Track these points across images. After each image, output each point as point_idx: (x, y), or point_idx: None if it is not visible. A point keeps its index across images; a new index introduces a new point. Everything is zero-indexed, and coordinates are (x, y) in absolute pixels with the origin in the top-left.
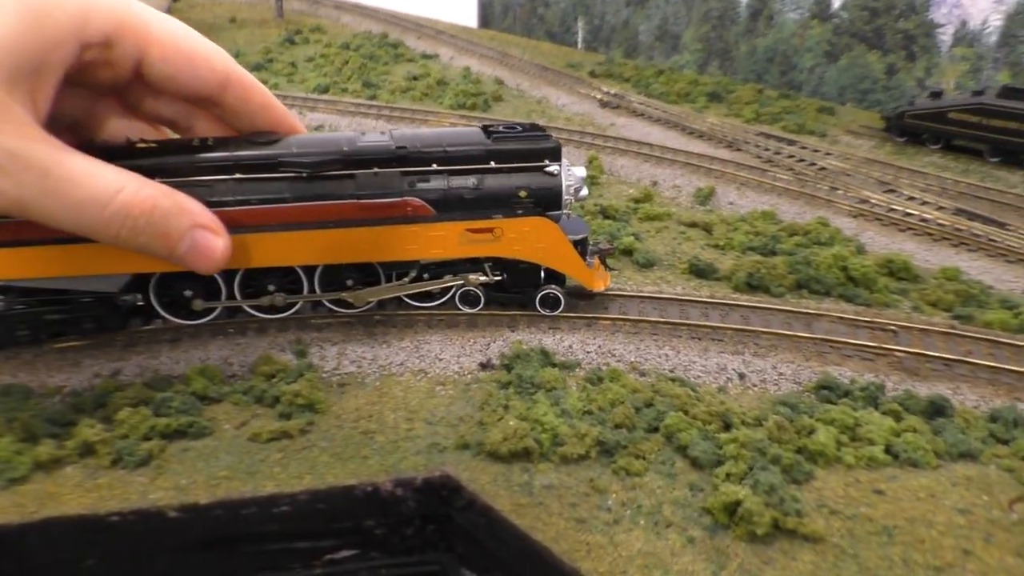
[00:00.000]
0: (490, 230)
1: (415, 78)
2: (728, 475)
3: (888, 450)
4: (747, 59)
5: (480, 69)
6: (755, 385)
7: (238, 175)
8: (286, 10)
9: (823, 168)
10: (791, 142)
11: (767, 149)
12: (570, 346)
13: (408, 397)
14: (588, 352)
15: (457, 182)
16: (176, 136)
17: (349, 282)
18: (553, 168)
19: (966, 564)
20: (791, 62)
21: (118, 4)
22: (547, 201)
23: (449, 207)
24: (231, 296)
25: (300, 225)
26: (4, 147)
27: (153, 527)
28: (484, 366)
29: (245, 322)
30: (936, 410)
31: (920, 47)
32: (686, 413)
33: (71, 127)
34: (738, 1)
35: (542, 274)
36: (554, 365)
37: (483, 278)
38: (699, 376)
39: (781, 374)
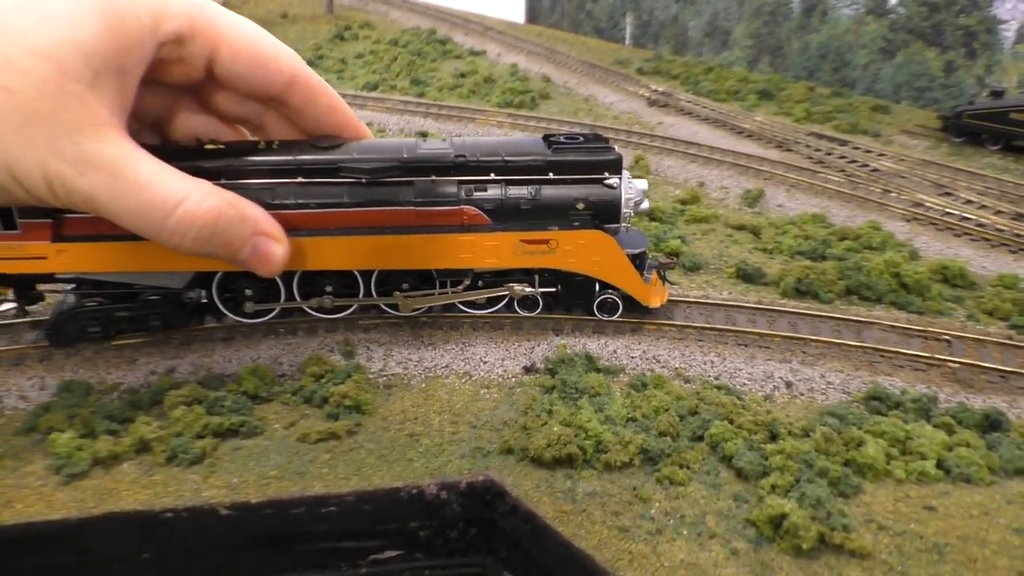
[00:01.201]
0: (546, 242)
1: (463, 75)
2: (774, 487)
3: (940, 465)
4: (799, 56)
5: (527, 66)
6: (802, 394)
7: (300, 179)
8: (336, 5)
9: (876, 169)
10: (843, 142)
11: (818, 149)
12: (614, 351)
13: (453, 400)
14: (632, 357)
15: (514, 192)
16: (251, 135)
17: (404, 286)
18: (613, 181)
19: None
20: (845, 59)
21: (191, 4)
22: (605, 214)
23: (505, 217)
24: (289, 296)
25: (358, 230)
26: (81, 148)
27: (206, 524)
28: (528, 370)
29: (296, 322)
30: (991, 424)
31: (981, 44)
32: (731, 422)
33: (153, 124)
34: None
35: (597, 287)
36: (598, 370)
37: (527, 289)
38: (745, 384)
39: (829, 383)
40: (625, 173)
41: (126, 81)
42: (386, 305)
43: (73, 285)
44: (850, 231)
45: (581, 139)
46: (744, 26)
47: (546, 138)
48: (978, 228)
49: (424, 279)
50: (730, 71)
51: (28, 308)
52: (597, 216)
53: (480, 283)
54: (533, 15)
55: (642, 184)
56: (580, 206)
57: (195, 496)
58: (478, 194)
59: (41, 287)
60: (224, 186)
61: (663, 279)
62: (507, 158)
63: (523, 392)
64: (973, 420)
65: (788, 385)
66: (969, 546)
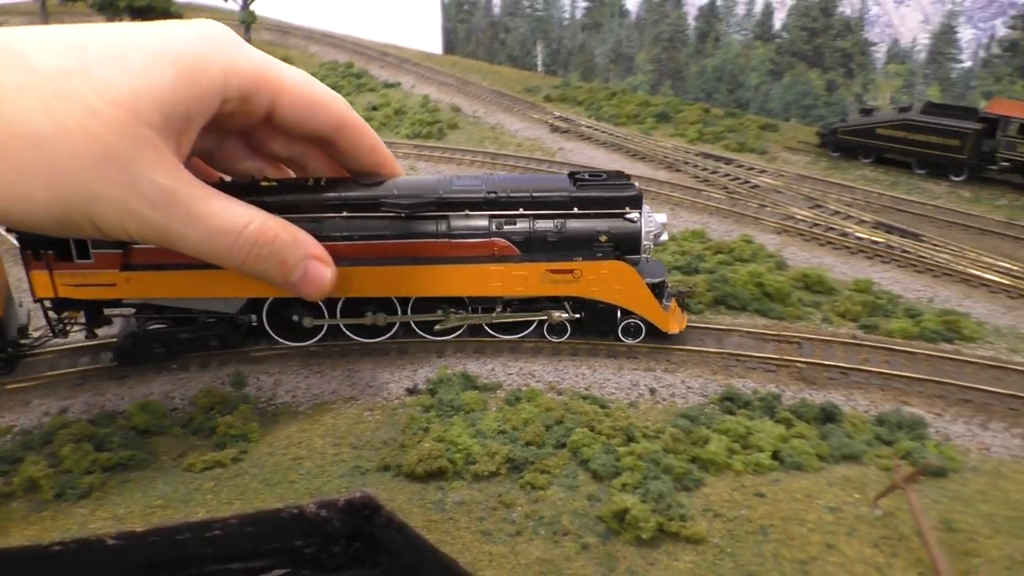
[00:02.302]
0: (570, 271)
1: (375, 108)
2: (624, 485)
3: (775, 456)
4: (697, 79)
5: (439, 97)
6: (664, 399)
7: (345, 213)
8: (256, 41)
9: (756, 186)
10: (729, 161)
11: (704, 168)
12: (492, 369)
13: (337, 423)
14: (510, 374)
15: (541, 225)
16: (293, 173)
17: (439, 311)
18: (633, 215)
19: (828, 557)
20: (738, 81)
21: (257, 63)
22: (626, 246)
23: (533, 248)
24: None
25: (397, 260)
26: (158, 184)
27: (94, 555)
28: (411, 391)
29: (188, 359)
30: (827, 416)
31: (857, 64)
32: (592, 429)
33: (202, 157)
34: (687, 23)
35: (619, 314)
36: (476, 388)
37: (563, 315)
38: (613, 393)
39: (690, 388)
40: (645, 207)
41: (190, 128)
42: (423, 329)
43: (134, 310)
44: (725, 245)
45: (604, 176)
46: (645, 52)
47: (571, 175)
48: (841, 237)
49: (458, 305)
50: (632, 95)
51: (96, 331)
52: (619, 248)
53: (508, 309)
54: (450, 46)
55: (661, 218)
56: (603, 238)
57: (82, 529)
58: (508, 227)
59: (108, 311)
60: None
61: (683, 306)
62: (535, 194)
63: (405, 412)
64: (811, 414)
65: (652, 392)
66: (790, 526)
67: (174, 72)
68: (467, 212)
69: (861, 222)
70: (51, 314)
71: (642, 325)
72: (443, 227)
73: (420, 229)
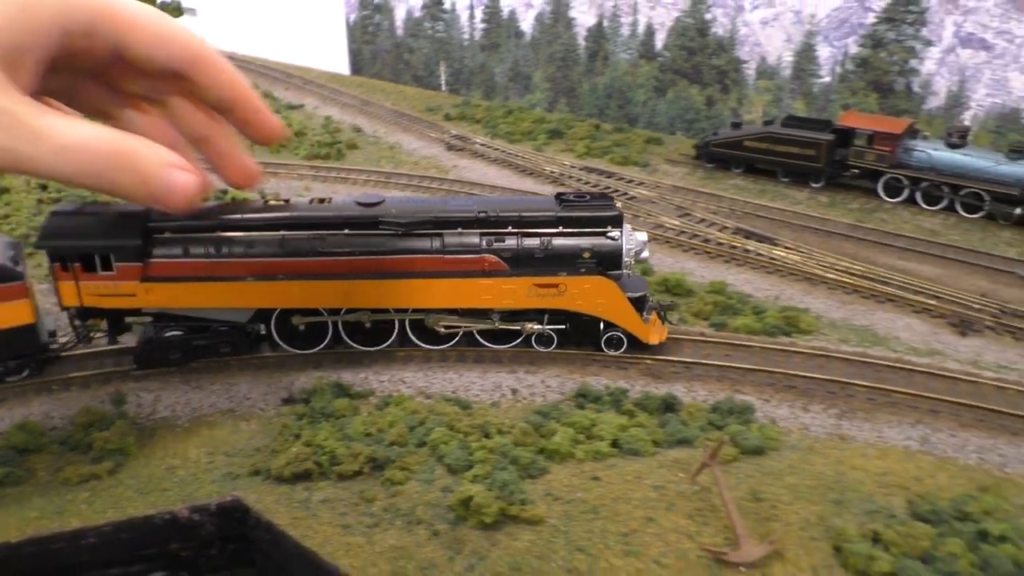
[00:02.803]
0: (555, 285)
1: None
2: (475, 477)
3: (615, 443)
4: (590, 96)
5: (341, 117)
6: (525, 398)
7: (346, 230)
8: None
9: (633, 197)
10: (611, 174)
11: (587, 182)
12: (366, 378)
13: (214, 434)
14: (382, 381)
15: (528, 243)
16: (151, 109)
17: (429, 317)
18: (615, 233)
19: (647, 528)
20: (627, 97)
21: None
22: (608, 262)
23: (521, 264)
24: (336, 331)
25: (394, 275)
26: None
27: None
28: (286, 401)
29: (70, 378)
30: (667, 407)
31: (731, 80)
32: (451, 428)
33: (60, 99)
34: (577, 43)
35: (601, 326)
36: (348, 396)
37: (537, 326)
38: (477, 395)
39: (548, 387)
40: (626, 227)
41: (25, 58)
42: (421, 339)
43: (152, 319)
44: None
45: (588, 197)
46: (541, 71)
47: (558, 196)
48: (703, 243)
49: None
50: (529, 113)
51: (117, 337)
52: (601, 264)
53: (496, 320)
54: (357, 67)
55: (642, 236)
56: (586, 255)
57: None
58: (497, 244)
59: (129, 319)
60: (286, 236)
61: (663, 319)
62: (523, 213)
63: (279, 421)
64: (654, 405)
65: (514, 392)
66: (618, 504)
67: (5, 4)
68: (460, 230)
69: (723, 228)
70: (76, 322)
71: (624, 337)
72: (437, 244)
73: (416, 246)
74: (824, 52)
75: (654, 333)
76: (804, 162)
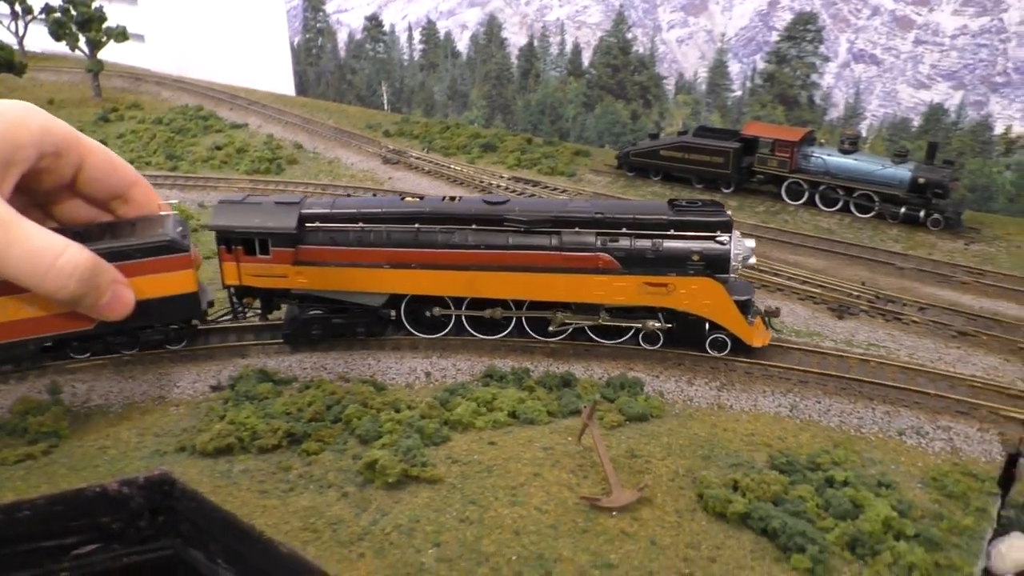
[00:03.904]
0: (665, 285)
1: (218, 148)
2: (383, 445)
3: (512, 414)
4: (524, 112)
5: (283, 135)
6: (437, 380)
7: (474, 225)
8: (108, 88)
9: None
10: (536, 183)
11: (513, 190)
12: (290, 366)
13: (144, 418)
14: (305, 368)
15: (640, 244)
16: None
17: (558, 313)
18: (724, 238)
19: (534, 482)
20: (558, 113)
21: (67, 127)
22: (716, 265)
23: (632, 263)
24: (459, 319)
25: (516, 268)
26: None
27: None
28: (215, 388)
29: (6, 373)
30: (565, 383)
31: (653, 95)
32: (365, 405)
33: None
34: (510, 62)
35: (707, 326)
36: (272, 381)
37: (656, 324)
38: (393, 378)
39: (459, 369)
40: (735, 232)
41: (10, 172)
42: (536, 331)
43: (298, 300)
44: None
45: (699, 203)
46: (478, 89)
47: (671, 202)
48: None
49: (567, 309)
50: (465, 128)
51: (268, 316)
52: (709, 267)
53: (607, 315)
54: (302, 87)
55: (750, 243)
56: (695, 257)
57: None
58: (611, 244)
59: (277, 300)
60: (420, 228)
61: (767, 324)
62: (636, 216)
63: (206, 405)
64: (553, 382)
65: (427, 375)
66: (509, 463)
67: None
68: (577, 229)
69: None
70: (234, 299)
71: (728, 340)
72: (556, 241)
73: (537, 242)
74: (735, 68)
75: (758, 336)
76: (714, 169)
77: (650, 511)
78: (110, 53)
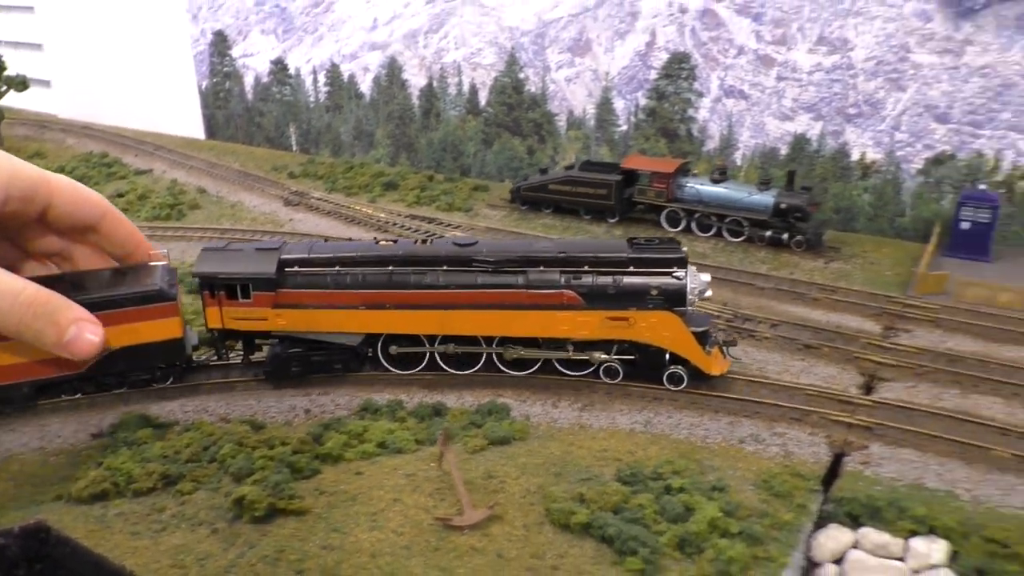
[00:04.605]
0: (626, 319)
1: (120, 195)
2: (255, 481)
3: (382, 444)
4: (427, 150)
5: (187, 180)
6: (316, 416)
7: (445, 267)
8: (11, 137)
9: (441, 237)
10: (431, 220)
11: (407, 227)
12: (172, 410)
13: (23, 469)
14: (187, 412)
15: (602, 280)
16: (58, 268)
17: (520, 349)
18: (680, 273)
19: (393, 507)
20: (459, 150)
21: (35, 169)
22: (674, 299)
23: (595, 299)
24: (432, 357)
25: (485, 305)
26: None
27: None
28: (95, 435)
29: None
30: (436, 412)
31: (546, 132)
32: (241, 444)
33: None
34: (412, 102)
35: (667, 357)
36: (153, 426)
37: (604, 356)
38: (273, 416)
39: (338, 404)
40: (691, 267)
41: None
42: (504, 364)
43: (278, 340)
44: None
45: (657, 241)
46: (382, 129)
47: (630, 240)
48: None
49: (533, 345)
50: (369, 167)
51: (251, 357)
52: (668, 300)
53: (572, 349)
54: (212, 131)
55: (706, 277)
56: (654, 292)
57: None
58: (575, 281)
59: (258, 341)
60: (393, 271)
61: (724, 353)
62: (597, 254)
63: (86, 453)
64: (425, 412)
65: (307, 411)
66: (373, 491)
67: None
68: (542, 268)
69: None
70: (217, 342)
71: (684, 375)
72: (522, 280)
73: (504, 281)
74: (619, 104)
75: (715, 365)
76: (599, 200)
77: (500, 527)
78: (15, 100)
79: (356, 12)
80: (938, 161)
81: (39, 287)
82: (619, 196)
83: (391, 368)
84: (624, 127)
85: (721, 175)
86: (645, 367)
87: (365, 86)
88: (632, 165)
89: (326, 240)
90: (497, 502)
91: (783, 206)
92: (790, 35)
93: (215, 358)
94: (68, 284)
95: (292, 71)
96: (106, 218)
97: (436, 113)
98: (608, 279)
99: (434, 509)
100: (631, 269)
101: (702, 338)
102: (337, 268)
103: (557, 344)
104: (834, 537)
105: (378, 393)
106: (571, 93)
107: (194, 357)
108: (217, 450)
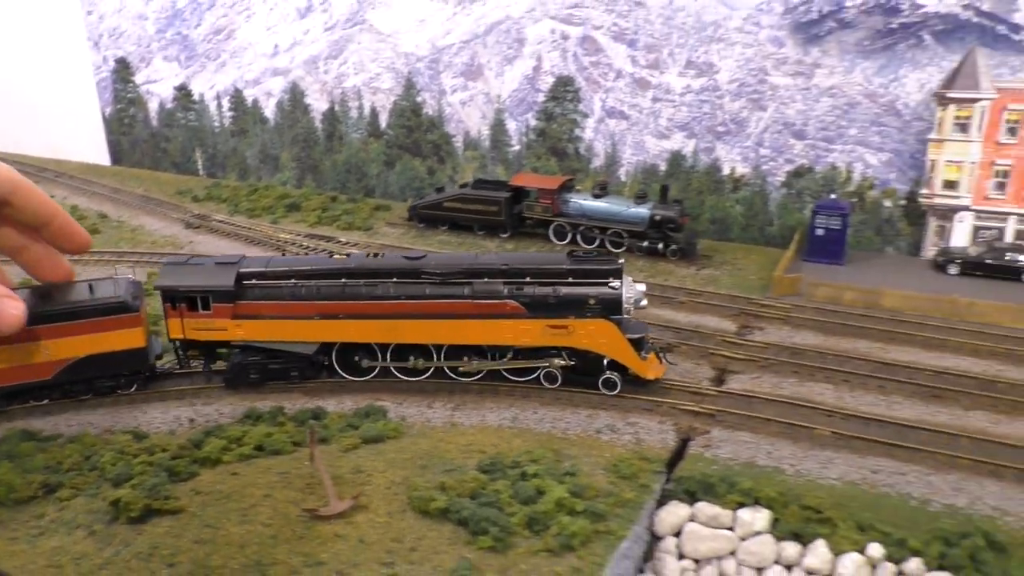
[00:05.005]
0: (565, 327)
1: None
2: (134, 485)
3: (259, 447)
4: (332, 172)
5: (88, 206)
6: (200, 424)
7: (395, 279)
8: None
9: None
10: (330, 239)
11: (305, 246)
12: (56, 424)
13: None
14: (71, 425)
15: (542, 291)
16: None
17: (465, 358)
18: (616, 284)
19: (264, 502)
20: (363, 171)
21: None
22: (610, 307)
23: (536, 308)
24: (385, 363)
25: (433, 315)
26: None
27: None
28: None
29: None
30: (315, 416)
31: (445, 152)
32: (122, 452)
33: None
34: (315, 126)
35: (605, 362)
36: (36, 440)
37: (560, 361)
38: (158, 427)
39: (222, 413)
40: (627, 278)
41: None
42: (450, 370)
43: (239, 349)
44: None
45: (595, 254)
46: (287, 152)
47: (569, 253)
48: None
49: (480, 353)
50: (272, 189)
51: (212, 366)
52: (605, 309)
53: (519, 357)
54: (117, 157)
55: (641, 287)
56: (592, 301)
57: None
58: (517, 292)
59: (220, 350)
60: (346, 283)
61: (661, 359)
62: (538, 266)
63: None
64: (304, 416)
65: (191, 421)
66: (247, 489)
67: None
68: (487, 280)
69: None
70: (179, 351)
71: (618, 380)
72: (468, 291)
73: (451, 292)
74: (512, 125)
75: (651, 369)
76: (490, 217)
77: (364, 515)
78: None
79: (257, 39)
80: (798, 174)
81: None
82: (509, 212)
83: (345, 376)
84: (517, 147)
85: (602, 190)
86: (583, 371)
87: (269, 111)
88: (520, 182)
89: (283, 255)
90: (362, 493)
91: (657, 218)
92: (662, 60)
93: (178, 367)
94: (38, 295)
95: (196, 97)
96: (56, 218)
97: (339, 136)
98: (548, 289)
99: (303, 502)
100: (570, 280)
101: (638, 344)
102: (293, 281)
103: (502, 352)
104: (673, 512)
105: (261, 401)
106: (466, 115)
107: (157, 366)
108: (99, 459)
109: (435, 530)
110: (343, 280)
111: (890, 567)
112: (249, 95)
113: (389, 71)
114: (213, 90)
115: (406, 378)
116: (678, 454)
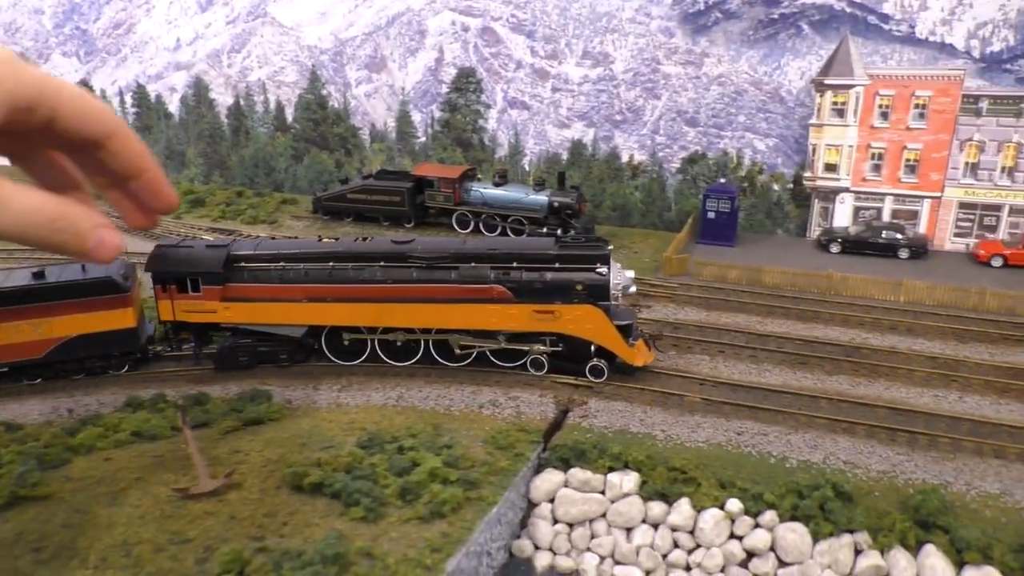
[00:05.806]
0: (552, 312)
1: None
2: (0, 475)
3: (136, 433)
4: (239, 167)
5: None
6: (79, 414)
7: (382, 263)
8: None
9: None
10: (232, 232)
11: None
12: (13, 417)
13: None
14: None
15: (529, 276)
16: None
17: (451, 339)
18: (603, 269)
19: (135, 486)
20: (271, 166)
21: (37, 76)
22: (597, 293)
23: (523, 293)
24: (374, 348)
25: (420, 299)
26: None
27: None
28: None
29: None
30: (198, 401)
31: (352, 145)
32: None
33: None
34: (221, 121)
35: (592, 348)
36: None
37: (542, 348)
38: (35, 419)
39: (102, 403)
40: (615, 265)
41: None
42: (438, 356)
43: (229, 332)
44: None
45: (583, 239)
46: (193, 148)
47: (557, 238)
48: None
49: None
50: (180, 185)
51: (201, 348)
52: (591, 295)
53: (504, 342)
54: None
55: (630, 273)
56: (579, 287)
57: None
58: (504, 276)
59: (211, 333)
60: (334, 266)
61: (649, 346)
62: (525, 251)
63: None
64: (188, 401)
65: (70, 411)
66: (119, 472)
67: None
68: (474, 264)
69: None
70: (170, 333)
71: (604, 367)
72: (455, 275)
73: (438, 277)
74: (417, 117)
75: (639, 356)
76: (393, 207)
77: (237, 493)
78: None
79: (158, 33)
80: (692, 160)
81: (59, 200)
82: (412, 202)
83: (335, 359)
84: (423, 138)
85: (502, 178)
86: (569, 357)
87: (173, 106)
88: (422, 172)
89: (272, 238)
90: (236, 471)
91: (555, 204)
92: (560, 50)
93: (168, 349)
94: (29, 272)
95: (98, 93)
96: (114, 138)
97: (245, 131)
98: (535, 274)
99: (175, 482)
100: (557, 265)
101: (626, 331)
102: (282, 264)
103: (489, 337)
104: (548, 479)
105: (143, 390)
106: (372, 108)
107: (149, 347)
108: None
109: (309, 504)
110: (331, 264)
111: (747, 520)
112: (152, 90)
113: (293, 64)
114: (115, 86)
115: (394, 363)
116: (557, 425)
